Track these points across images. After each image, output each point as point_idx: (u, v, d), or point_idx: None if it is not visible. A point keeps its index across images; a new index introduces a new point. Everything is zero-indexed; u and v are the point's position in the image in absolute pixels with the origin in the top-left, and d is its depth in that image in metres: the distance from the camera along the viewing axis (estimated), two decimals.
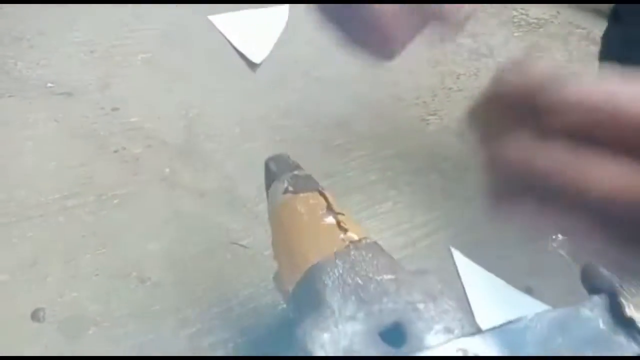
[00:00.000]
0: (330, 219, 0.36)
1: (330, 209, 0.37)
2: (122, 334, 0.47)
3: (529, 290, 0.58)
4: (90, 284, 0.50)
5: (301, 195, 0.37)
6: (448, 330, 0.33)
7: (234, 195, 0.61)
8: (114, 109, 0.68)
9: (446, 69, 0.88)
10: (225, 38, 0.83)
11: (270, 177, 0.39)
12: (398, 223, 0.65)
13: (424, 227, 0.65)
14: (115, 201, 0.57)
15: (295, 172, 0.39)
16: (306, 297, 0.34)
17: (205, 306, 0.51)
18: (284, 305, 0.53)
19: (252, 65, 0.79)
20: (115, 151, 0.63)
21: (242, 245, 0.56)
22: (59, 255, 0.52)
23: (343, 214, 0.37)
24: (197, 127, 0.68)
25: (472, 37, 0.95)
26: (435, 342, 0.31)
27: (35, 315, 0.47)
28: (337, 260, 0.34)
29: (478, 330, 0.32)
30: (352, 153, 0.72)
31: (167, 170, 0.62)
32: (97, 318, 0.48)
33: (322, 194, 0.38)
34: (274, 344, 0.49)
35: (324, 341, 0.31)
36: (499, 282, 0.58)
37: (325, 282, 0.33)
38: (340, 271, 0.34)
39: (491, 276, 0.58)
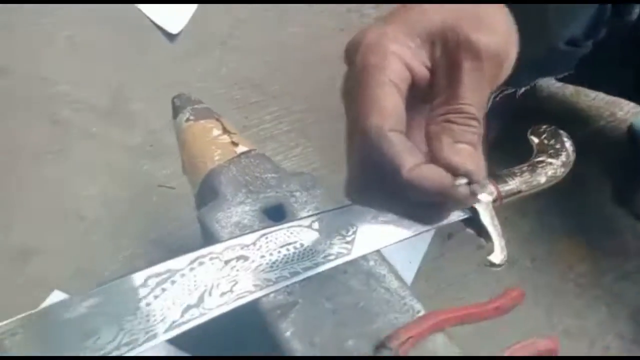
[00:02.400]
0: (225, 137, 0.46)
1: (225, 130, 0.47)
2: (63, 261, 0.56)
3: None
4: (35, 219, 0.58)
5: (201, 121, 0.47)
6: (317, 208, 0.43)
7: (157, 147, 0.69)
8: (43, 79, 0.74)
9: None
10: (144, 14, 0.90)
11: (176, 111, 0.48)
12: (308, 163, 0.76)
13: (331, 165, 0.76)
14: (49, 156, 0.64)
15: (196, 106, 0.48)
16: (206, 193, 0.43)
17: (138, 235, 0.60)
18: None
19: (170, 36, 0.87)
20: (47, 116, 0.70)
21: (169, 187, 0.65)
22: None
23: (236, 134, 0.47)
24: (122, 93, 0.76)
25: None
26: (306, 215, 0.42)
27: None
28: (230, 165, 0.44)
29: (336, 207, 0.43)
30: (266, 109, 0.82)
31: (95, 129, 0.69)
32: (40, 247, 0.56)
33: (218, 120, 0.47)
34: None
35: (219, 218, 0.41)
36: None
37: (221, 180, 0.43)
38: (234, 172, 0.44)
39: None
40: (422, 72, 0.26)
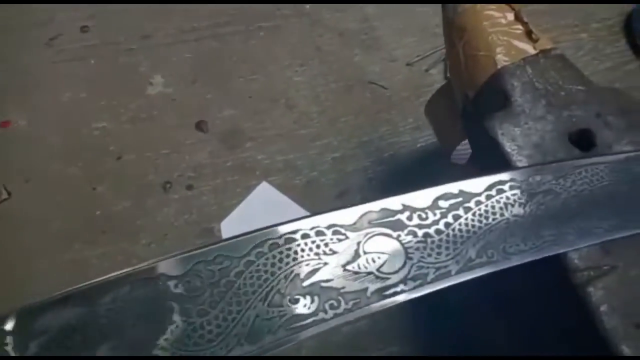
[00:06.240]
0: (519, 28, 0.34)
1: (518, 19, 0.35)
2: (274, 151, 0.51)
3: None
4: (244, 104, 0.53)
5: (488, 5, 0.35)
6: (634, 143, 0.31)
7: (371, 37, 0.60)
8: None
9: None
10: None
11: None
12: None
13: None
14: (261, 33, 0.58)
15: None
16: (492, 96, 0.33)
17: (347, 136, 0.53)
18: (423, 144, 0.54)
19: None
20: None
21: (380, 86, 0.57)
22: (215, 76, 0.55)
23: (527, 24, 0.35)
24: None
25: None
26: (624, 150, 0.31)
27: (199, 126, 0.51)
28: (526, 66, 0.33)
29: None
30: None
31: (308, 7, 0.61)
32: (252, 134, 0.52)
33: (509, 6, 0.36)
34: (409, 175, 0.50)
35: (515, 134, 0.31)
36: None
37: (514, 84, 0.32)
38: (530, 76, 0.33)
39: None
40: None
